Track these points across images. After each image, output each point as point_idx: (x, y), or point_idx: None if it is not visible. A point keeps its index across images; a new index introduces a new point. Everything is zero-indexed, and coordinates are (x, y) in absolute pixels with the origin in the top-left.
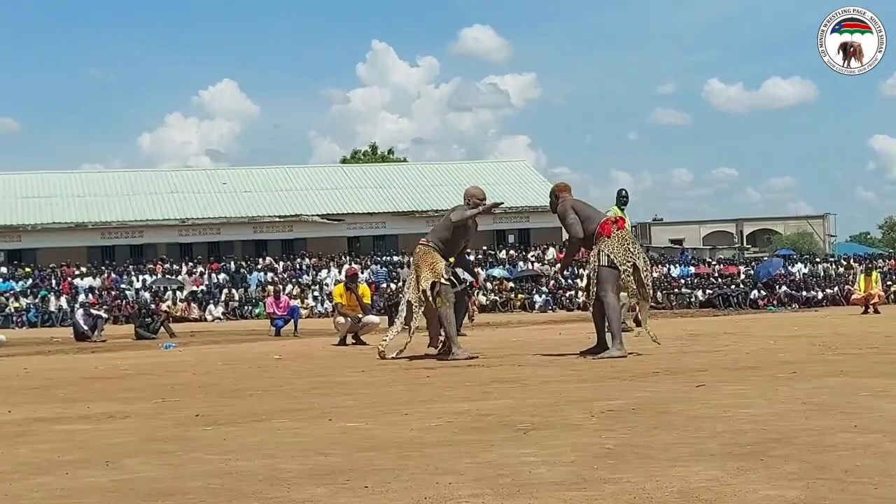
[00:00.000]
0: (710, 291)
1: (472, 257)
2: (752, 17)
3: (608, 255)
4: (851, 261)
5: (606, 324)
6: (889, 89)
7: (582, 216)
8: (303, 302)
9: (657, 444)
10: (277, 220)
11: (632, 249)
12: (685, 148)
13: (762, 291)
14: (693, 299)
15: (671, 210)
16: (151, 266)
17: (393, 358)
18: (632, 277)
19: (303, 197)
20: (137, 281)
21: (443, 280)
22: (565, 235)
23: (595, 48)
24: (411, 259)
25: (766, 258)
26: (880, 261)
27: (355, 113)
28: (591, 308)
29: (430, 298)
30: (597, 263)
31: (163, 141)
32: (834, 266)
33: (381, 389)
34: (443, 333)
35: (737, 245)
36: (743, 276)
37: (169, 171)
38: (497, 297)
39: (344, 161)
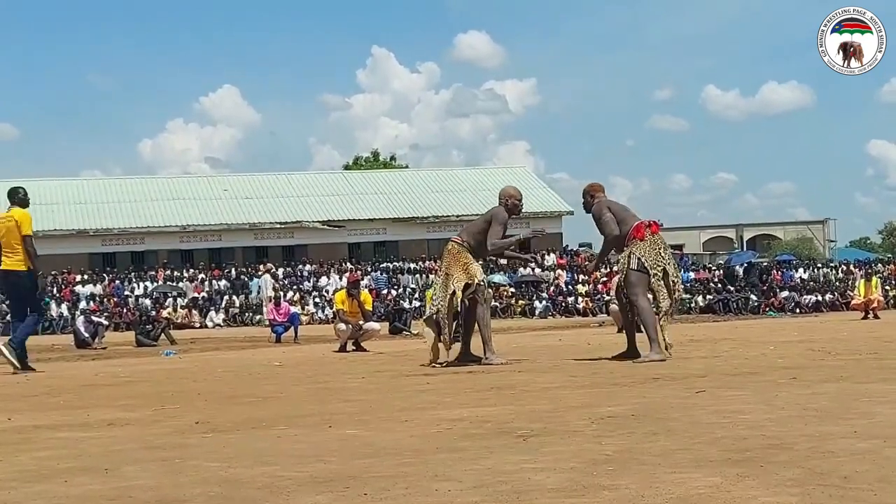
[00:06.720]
0: (710, 297)
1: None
2: (747, 22)
3: (638, 258)
4: (851, 266)
5: (642, 328)
6: (886, 95)
7: (617, 217)
8: (303, 308)
9: (656, 451)
10: (278, 226)
11: (663, 254)
12: (683, 154)
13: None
14: (693, 305)
15: (671, 216)
16: (152, 273)
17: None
18: (661, 282)
19: (303, 203)
20: (138, 288)
21: (478, 281)
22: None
23: (592, 54)
24: (442, 258)
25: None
26: (880, 266)
27: (355, 119)
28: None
29: (458, 300)
30: (626, 266)
31: (163, 147)
32: (834, 271)
33: (380, 396)
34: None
35: (736, 250)
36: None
37: (170, 178)
38: (497, 303)
39: (347, 167)
